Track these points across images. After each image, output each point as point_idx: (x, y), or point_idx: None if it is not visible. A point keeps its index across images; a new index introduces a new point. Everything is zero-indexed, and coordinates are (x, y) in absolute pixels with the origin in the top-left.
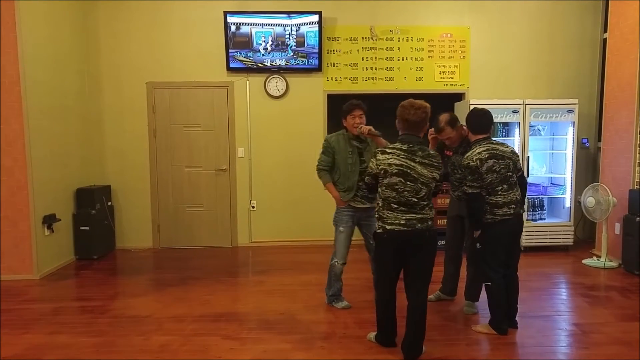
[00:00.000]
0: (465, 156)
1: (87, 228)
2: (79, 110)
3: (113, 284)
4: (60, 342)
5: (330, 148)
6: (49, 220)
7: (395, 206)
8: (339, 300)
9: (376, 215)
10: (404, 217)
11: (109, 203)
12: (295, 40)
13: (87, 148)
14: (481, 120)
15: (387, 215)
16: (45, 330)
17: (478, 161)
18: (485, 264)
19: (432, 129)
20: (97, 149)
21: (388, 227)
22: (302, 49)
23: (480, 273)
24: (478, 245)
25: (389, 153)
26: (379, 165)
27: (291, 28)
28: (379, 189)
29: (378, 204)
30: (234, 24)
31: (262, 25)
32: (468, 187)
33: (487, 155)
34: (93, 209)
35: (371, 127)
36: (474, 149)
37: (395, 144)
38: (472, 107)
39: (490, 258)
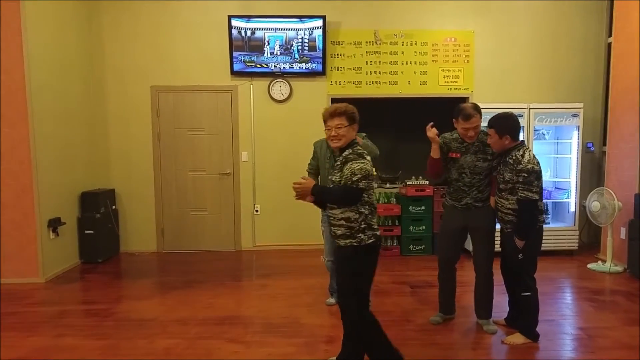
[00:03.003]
0: (526, 161)
1: (91, 232)
2: (83, 114)
3: (118, 287)
4: (66, 344)
5: (315, 152)
6: (54, 224)
7: (375, 209)
8: (330, 296)
9: (362, 226)
10: (375, 219)
11: (114, 207)
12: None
13: (92, 152)
14: (517, 124)
15: (373, 222)
16: (51, 332)
17: (539, 164)
18: (526, 274)
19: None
20: (102, 152)
21: (377, 232)
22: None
23: (519, 285)
24: (520, 255)
25: (367, 154)
26: (372, 166)
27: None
28: (365, 194)
29: (363, 212)
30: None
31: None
32: (534, 193)
33: (537, 160)
34: (97, 212)
35: None
36: (527, 153)
37: (359, 148)
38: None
39: (532, 267)
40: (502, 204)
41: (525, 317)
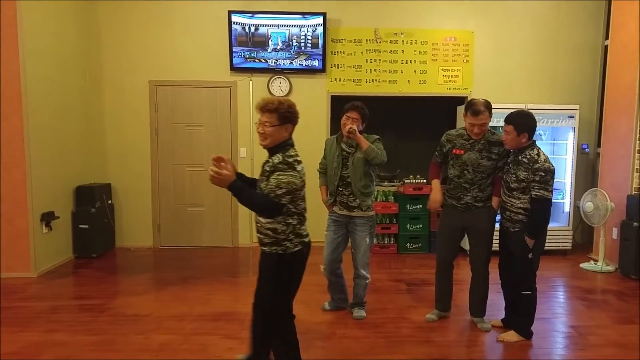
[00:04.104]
0: (543, 160)
1: (86, 226)
2: (80, 107)
3: (112, 282)
4: (58, 340)
5: (325, 150)
6: (48, 218)
7: (304, 218)
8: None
9: (290, 237)
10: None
11: (109, 201)
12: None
13: (88, 146)
14: (535, 123)
15: (302, 230)
16: (43, 328)
17: (552, 164)
18: (531, 274)
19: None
20: (98, 146)
21: (306, 239)
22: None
23: (522, 284)
24: (530, 255)
25: (300, 162)
26: (302, 177)
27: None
28: (291, 206)
29: (290, 223)
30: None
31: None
32: (550, 192)
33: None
34: (93, 207)
35: (352, 126)
36: (542, 152)
37: (294, 152)
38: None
39: (536, 265)
40: (512, 204)
41: (522, 315)
